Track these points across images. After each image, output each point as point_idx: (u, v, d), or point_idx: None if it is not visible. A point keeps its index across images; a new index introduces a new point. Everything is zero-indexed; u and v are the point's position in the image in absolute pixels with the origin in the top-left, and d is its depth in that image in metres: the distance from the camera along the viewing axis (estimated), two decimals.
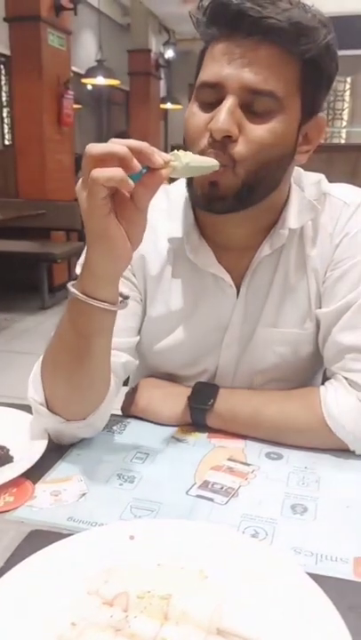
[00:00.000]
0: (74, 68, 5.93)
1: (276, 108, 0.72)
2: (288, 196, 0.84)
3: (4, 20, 4.87)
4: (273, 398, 0.84)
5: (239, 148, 0.72)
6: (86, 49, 7.64)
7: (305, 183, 0.86)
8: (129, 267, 0.86)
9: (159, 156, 0.61)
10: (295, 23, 0.69)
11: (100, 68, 6.51)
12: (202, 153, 0.72)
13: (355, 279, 0.81)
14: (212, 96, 0.73)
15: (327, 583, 0.51)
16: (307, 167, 0.95)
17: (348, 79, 11.35)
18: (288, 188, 0.84)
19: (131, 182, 0.60)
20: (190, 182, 0.78)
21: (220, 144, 0.71)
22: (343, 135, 10.52)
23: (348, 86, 11.40)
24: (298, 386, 0.85)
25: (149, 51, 8.49)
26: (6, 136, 6.76)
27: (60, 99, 5.16)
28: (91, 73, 6.59)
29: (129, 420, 0.88)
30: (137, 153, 0.59)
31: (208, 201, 0.75)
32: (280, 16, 0.69)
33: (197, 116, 0.74)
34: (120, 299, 0.71)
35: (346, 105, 11.49)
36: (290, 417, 0.81)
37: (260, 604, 0.46)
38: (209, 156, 0.71)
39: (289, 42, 0.70)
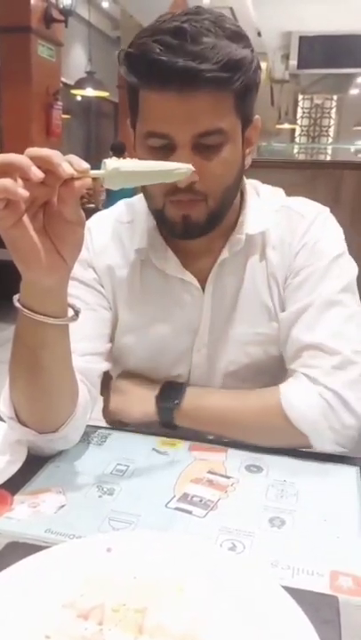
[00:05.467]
0: (63, 79, 5.97)
1: (225, 139, 0.76)
2: (243, 202, 0.88)
3: None
4: (238, 396, 0.87)
5: (203, 186, 0.77)
6: (76, 60, 7.69)
7: (262, 192, 0.91)
8: (95, 277, 0.89)
9: (68, 166, 0.57)
10: (227, 64, 0.71)
11: (89, 79, 6.56)
12: (164, 205, 0.79)
13: (313, 284, 0.85)
14: (159, 143, 0.75)
15: (303, 597, 0.52)
16: (292, 183, 0.98)
17: (335, 97, 11.56)
18: (242, 192, 0.88)
19: (21, 192, 0.55)
20: (160, 215, 0.82)
21: (185, 189, 0.75)
22: (329, 152, 10.68)
23: (334, 104, 11.62)
24: (266, 387, 0.86)
25: None
26: None
27: (49, 109, 5.19)
28: (80, 84, 6.63)
29: (109, 431, 0.87)
30: (44, 162, 0.56)
31: (184, 231, 0.81)
32: (212, 62, 0.69)
33: None
34: (72, 312, 0.70)
35: (332, 122, 11.70)
36: (253, 413, 0.83)
37: (235, 617, 0.46)
38: (172, 211, 0.78)
39: (224, 84, 0.72)
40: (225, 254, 0.87)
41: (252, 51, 0.76)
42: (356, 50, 7.73)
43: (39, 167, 0.56)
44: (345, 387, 0.80)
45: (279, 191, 0.93)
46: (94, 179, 0.61)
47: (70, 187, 0.58)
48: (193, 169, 0.69)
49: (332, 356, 0.81)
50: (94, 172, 0.59)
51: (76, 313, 0.71)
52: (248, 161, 0.84)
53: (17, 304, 0.67)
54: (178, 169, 0.67)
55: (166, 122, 0.74)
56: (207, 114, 0.73)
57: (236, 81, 0.73)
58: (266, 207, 0.89)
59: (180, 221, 0.79)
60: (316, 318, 0.84)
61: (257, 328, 0.89)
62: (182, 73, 0.69)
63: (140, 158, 0.76)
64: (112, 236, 0.91)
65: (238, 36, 0.74)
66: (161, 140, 0.75)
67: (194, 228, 0.80)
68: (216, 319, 0.90)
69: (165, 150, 0.75)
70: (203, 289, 0.89)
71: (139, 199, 0.92)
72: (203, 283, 0.89)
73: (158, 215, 0.83)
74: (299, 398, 0.81)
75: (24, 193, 0.55)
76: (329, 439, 0.80)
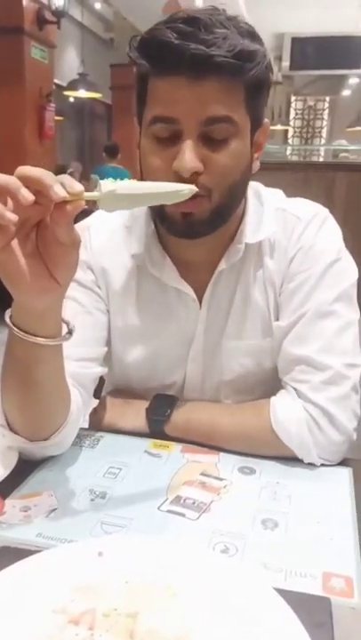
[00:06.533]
0: (56, 81, 5.96)
1: (233, 131, 0.74)
2: (245, 210, 0.86)
3: None
4: (227, 409, 0.87)
5: (208, 179, 0.74)
6: (69, 62, 7.69)
7: (264, 198, 0.88)
8: (93, 278, 0.88)
9: (60, 189, 0.54)
10: (238, 53, 0.70)
11: (82, 81, 6.56)
12: None
13: (307, 292, 0.83)
14: (167, 130, 0.73)
15: (296, 599, 0.51)
16: (286, 185, 0.97)
17: (327, 98, 11.61)
18: (245, 202, 0.86)
19: (9, 216, 0.52)
20: (160, 211, 0.78)
21: (189, 180, 0.72)
22: (322, 153, 10.72)
23: (326, 105, 11.67)
24: (264, 397, 0.85)
25: (132, 65, 8.54)
26: None
27: (42, 111, 5.18)
28: (73, 86, 6.62)
29: (101, 434, 0.87)
30: (35, 183, 0.54)
31: (185, 229, 0.77)
32: (224, 50, 0.69)
33: (156, 153, 0.75)
34: (66, 330, 0.69)
35: (325, 123, 11.75)
36: (242, 426, 0.83)
37: (227, 621, 0.46)
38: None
39: (235, 72, 0.71)
40: (223, 265, 0.85)
41: (265, 51, 0.75)
42: (347, 51, 7.78)
43: (29, 188, 0.53)
44: (333, 403, 0.79)
45: (279, 193, 0.91)
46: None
47: (63, 210, 0.55)
48: (196, 189, 0.66)
49: (322, 371, 0.80)
50: (88, 195, 0.56)
51: (70, 332, 0.69)
52: (256, 165, 0.82)
53: (8, 321, 0.66)
54: (181, 190, 0.64)
55: (174, 106, 0.71)
56: (216, 100, 0.71)
57: (247, 71, 0.71)
58: (265, 213, 0.86)
59: (181, 218, 0.76)
60: (307, 331, 0.82)
61: (252, 340, 0.88)
62: (193, 57, 0.68)
63: (144, 150, 0.76)
64: (110, 239, 0.89)
65: (252, 35, 0.74)
66: (167, 127, 0.73)
67: (196, 226, 0.76)
68: (211, 330, 0.88)
69: (171, 140, 0.73)
70: (199, 300, 0.87)
71: None
72: (200, 294, 0.87)
73: (158, 212, 0.80)
74: (286, 414, 0.80)
75: (12, 217, 0.53)
76: (315, 454, 0.79)
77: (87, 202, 0.58)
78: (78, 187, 0.55)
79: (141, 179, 0.77)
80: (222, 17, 0.72)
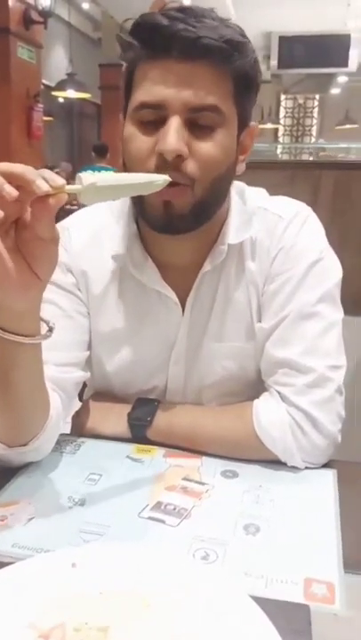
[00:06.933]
0: (45, 81, 5.94)
1: (220, 121, 0.73)
2: (229, 210, 0.84)
3: None
4: (210, 412, 0.85)
5: (192, 167, 0.72)
6: (57, 62, 7.65)
7: (247, 197, 0.87)
8: (74, 281, 0.86)
9: (42, 182, 0.54)
10: (228, 40, 0.71)
11: (70, 81, 6.53)
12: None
13: (289, 293, 0.82)
14: (151, 116, 0.72)
15: (275, 607, 0.50)
16: (272, 184, 0.96)
17: (317, 96, 11.64)
18: (229, 203, 0.84)
19: None
20: (140, 203, 0.77)
21: (172, 164, 0.71)
22: (312, 151, 10.75)
23: (316, 103, 11.69)
24: (247, 400, 0.84)
25: (121, 65, 8.52)
26: None
27: (30, 112, 5.16)
28: (61, 86, 6.59)
29: (83, 439, 0.86)
30: (17, 179, 0.54)
31: (166, 222, 0.75)
32: (213, 34, 0.70)
33: (139, 138, 0.73)
34: (46, 328, 0.68)
35: (315, 121, 11.77)
36: (224, 430, 0.81)
37: (202, 633, 0.45)
38: None
39: (223, 59, 0.71)
40: (207, 267, 0.83)
41: (254, 49, 0.75)
42: (335, 49, 7.81)
43: (11, 184, 0.53)
44: (316, 406, 0.78)
45: (262, 192, 0.90)
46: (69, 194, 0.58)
47: (45, 204, 0.56)
48: (170, 179, 0.66)
49: (305, 374, 0.79)
50: (70, 188, 0.57)
51: (50, 329, 0.68)
52: (241, 168, 0.81)
53: None
54: (155, 180, 0.65)
55: (161, 89, 0.70)
56: (204, 87, 0.71)
57: (235, 60, 0.72)
58: (248, 212, 0.85)
59: (161, 210, 0.73)
60: (290, 333, 0.81)
61: (234, 342, 0.87)
62: (182, 39, 0.69)
63: (127, 137, 0.75)
64: (90, 240, 0.87)
65: (241, 33, 0.74)
66: (153, 112, 0.72)
67: (177, 220, 0.74)
68: (194, 333, 0.87)
69: (156, 125, 0.72)
70: (182, 303, 0.86)
71: (121, 202, 0.88)
72: (182, 297, 0.85)
73: (139, 206, 0.78)
74: (269, 418, 0.79)
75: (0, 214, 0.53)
76: (299, 459, 0.78)
77: (68, 201, 0.58)
78: (60, 180, 0.56)
79: (125, 170, 0.76)
80: (214, 14, 0.73)
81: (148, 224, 0.80)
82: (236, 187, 0.87)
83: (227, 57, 0.71)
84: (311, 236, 0.85)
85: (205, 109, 0.72)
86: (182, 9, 0.72)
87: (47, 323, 0.68)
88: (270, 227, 0.85)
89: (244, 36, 0.75)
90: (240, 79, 0.74)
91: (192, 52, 0.70)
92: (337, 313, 0.84)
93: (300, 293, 0.82)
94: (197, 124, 0.72)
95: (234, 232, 0.83)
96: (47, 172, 0.56)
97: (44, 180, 0.54)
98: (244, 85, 0.76)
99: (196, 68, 0.71)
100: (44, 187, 0.54)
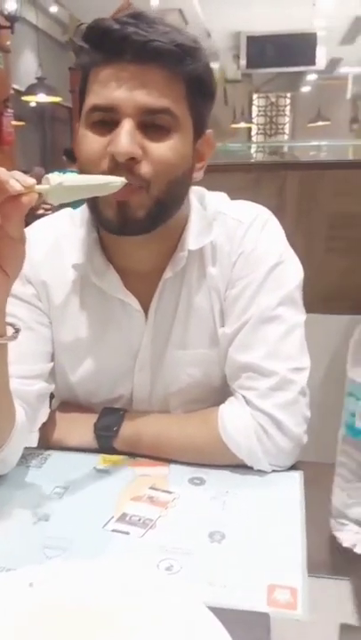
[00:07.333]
0: (15, 86, 5.87)
1: (174, 125, 0.73)
2: (189, 216, 0.84)
3: None
4: (176, 420, 0.85)
5: (146, 169, 0.72)
6: (27, 66, 7.58)
7: (208, 202, 0.87)
8: (34, 292, 0.85)
9: (15, 182, 0.58)
10: (179, 45, 0.71)
11: (40, 85, 6.46)
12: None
13: (249, 298, 0.82)
14: (104, 118, 0.72)
15: (236, 616, 0.50)
16: (237, 187, 0.96)
17: (288, 94, 11.72)
18: (188, 208, 0.84)
19: None
20: (95, 206, 0.77)
21: (125, 166, 0.71)
22: (285, 149, 10.83)
23: (288, 101, 11.77)
24: (214, 405, 0.84)
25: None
26: None
27: (0, 117, 5.10)
28: (32, 90, 6.52)
29: (49, 452, 0.85)
30: None
31: (121, 223, 0.75)
32: (164, 38, 0.70)
33: (92, 139, 0.73)
34: (12, 331, 0.68)
35: (287, 119, 11.85)
36: (190, 437, 0.81)
37: None
38: None
39: (175, 63, 0.72)
40: (168, 274, 0.83)
41: (207, 56, 0.76)
42: (303, 49, 7.90)
43: None
44: (280, 409, 0.79)
45: (222, 196, 0.90)
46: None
47: (17, 203, 0.58)
48: (125, 181, 0.68)
49: (268, 377, 0.80)
50: (39, 187, 0.60)
51: (17, 331, 0.68)
52: (198, 175, 0.81)
53: None
54: (112, 182, 0.69)
55: (113, 91, 0.71)
56: (156, 89, 0.71)
57: (187, 65, 0.72)
58: (208, 218, 0.85)
59: (116, 210, 0.73)
60: (252, 337, 0.81)
61: (198, 349, 0.87)
62: (133, 42, 0.69)
63: (81, 139, 0.75)
64: (50, 249, 0.87)
65: (195, 40, 0.75)
66: (105, 115, 0.72)
67: (132, 221, 0.74)
68: (157, 341, 0.87)
69: (109, 128, 0.72)
70: (145, 310, 0.85)
71: (82, 210, 0.87)
72: (145, 304, 0.85)
73: (94, 207, 0.77)
74: (233, 423, 0.79)
75: None
76: (265, 462, 0.78)
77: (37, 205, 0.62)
78: (30, 180, 0.59)
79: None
80: (166, 21, 0.73)
81: (103, 227, 0.79)
82: (196, 192, 0.87)
83: (178, 60, 0.72)
84: (271, 239, 0.86)
85: (158, 112, 0.72)
86: (135, 15, 0.72)
87: (13, 325, 0.69)
88: (230, 231, 0.85)
89: (196, 42, 0.75)
90: (193, 83, 0.74)
91: (143, 55, 0.70)
92: (298, 315, 0.84)
93: (260, 297, 0.82)
94: (151, 127, 0.72)
95: (194, 238, 0.83)
96: (18, 174, 0.59)
97: (16, 180, 0.58)
98: (198, 90, 0.76)
99: (148, 70, 0.71)
100: (17, 186, 0.57)
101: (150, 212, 0.75)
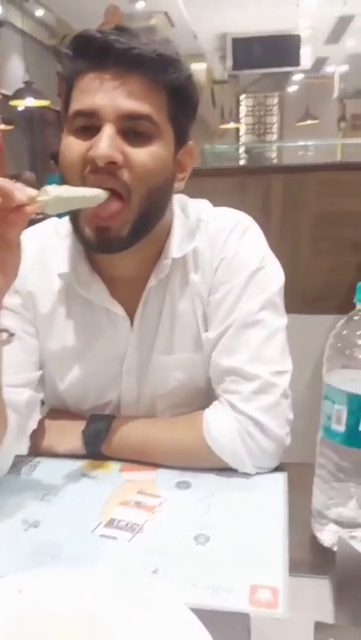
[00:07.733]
0: (3, 91, 5.86)
1: (154, 132, 0.75)
2: (171, 225, 0.86)
3: None
4: (162, 425, 0.87)
5: (128, 175, 0.74)
6: (14, 71, 7.57)
7: (190, 209, 0.89)
8: (21, 302, 0.87)
9: (21, 193, 0.62)
10: (161, 54, 0.73)
11: (28, 89, 6.45)
12: (83, 181, 0.74)
13: (231, 303, 0.84)
14: (86, 124, 0.74)
15: (217, 617, 0.52)
16: (220, 192, 0.98)
17: (276, 94, 11.75)
18: (171, 216, 0.86)
19: None
20: (76, 224, 0.78)
21: (105, 171, 0.73)
22: (274, 148, 10.87)
23: (276, 101, 11.81)
24: (200, 409, 0.86)
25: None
26: None
27: None
28: (19, 94, 6.51)
29: (39, 459, 0.86)
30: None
31: (102, 244, 0.77)
32: (145, 47, 0.73)
33: (75, 144, 0.75)
34: (7, 334, 0.71)
35: (275, 119, 11.89)
36: (176, 441, 0.83)
37: None
38: (92, 187, 0.73)
39: (156, 71, 0.74)
40: (152, 282, 0.85)
41: (190, 69, 0.78)
42: (288, 49, 7.95)
43: None
44: (263, 412, 0.80)
45: (204, 203, 0.92)
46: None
47: (22, 212, 0.62)
48: (107, 195, 0.72)
49: (251, 381, 0.81)
50: (41, 199, 0.64)
51: (11, 335, 0.71)
52: (179, 186, 0.83)
53: None
54: (98, 195, 0.72)
55: (94, 97, 0.73)
56: (137, 96, 0.73)
57: (169, 74, 0.74)
58: (191, 225, 0.87)
59: (94, 232, 0.76)
60: (234, 342, 0.83)
61: (182, 354, 0.88)
62: (116, 50, 0.71)
63: (63, 145, 0.77)
64: (36, 260, 0.88)
65: (176, 53, 0.77)
66: (87, 120, 0.73)
67: (114, 240, 0.76)
68: (143, 347, 0.89)
69: (91, 133, 0.73)
70: (130, 316, 0.87)
71: (67, 220, 0.87)
72: (131, 310, 0.87)
73: (74, 223, 0.79)
74: (218, 426, 0.81)
75: None
76: (250, 464, 0.80)
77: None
78: (32, 191, 0.63)
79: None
80: (149, 36, 0.76)
81: (84, 244, 0.81)
82: (178, 200, 0.89)
83: (160, 69, 0.74)
84: (251, 245, 0.87)
85: (139, 118, 0.73)
86: (119, 27, 0.75)
87: (7, 330, 0.71)
88: (212, 238, 0.87)
89: (178, 54, 0.77)
90: (174, 93, 0.76)
91: (125, 63, 0.72)
92: (280, 319, 0.86)
93: (242, 302, 0.84)
94: (132, 134, 0.74)
95: (177, 246, 0.85)
96: (20, 185, 0.63)
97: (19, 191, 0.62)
98: (180, 100, 0.77)
99: (130, 77, 0.73)
100: (22, 196, 0.61)
101: (132, 229, 0.76)
